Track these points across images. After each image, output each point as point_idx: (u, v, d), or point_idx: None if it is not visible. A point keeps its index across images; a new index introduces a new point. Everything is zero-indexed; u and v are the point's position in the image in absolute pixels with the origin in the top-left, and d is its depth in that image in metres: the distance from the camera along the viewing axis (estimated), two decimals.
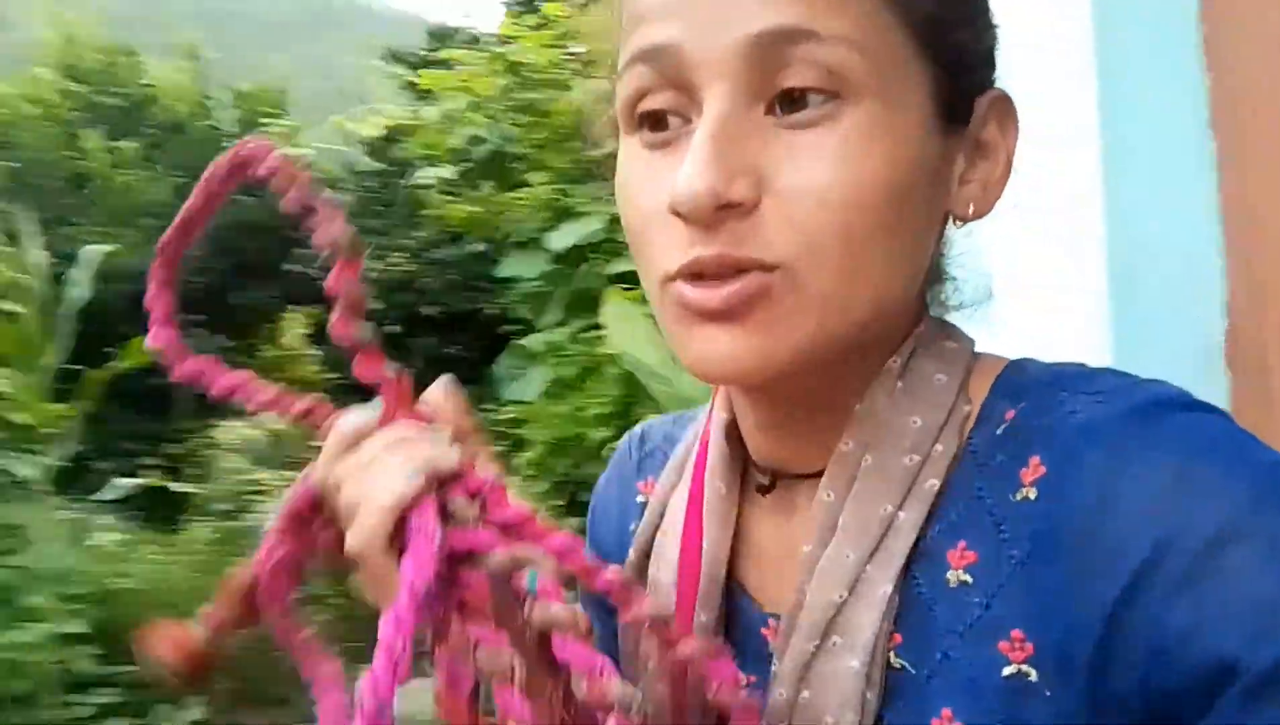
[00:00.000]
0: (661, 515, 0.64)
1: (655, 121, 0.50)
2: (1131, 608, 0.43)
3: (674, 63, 0.48)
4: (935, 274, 0.58)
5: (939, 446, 0.52)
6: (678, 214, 0.47)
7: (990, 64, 0.55)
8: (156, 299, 0.61)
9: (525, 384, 4.60)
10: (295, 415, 0.59)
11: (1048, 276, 1.15)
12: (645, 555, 0.64)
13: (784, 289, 0.47)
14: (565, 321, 4.61)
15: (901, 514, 0.51)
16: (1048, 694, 0.46)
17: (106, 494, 5.43)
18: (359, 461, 0.54)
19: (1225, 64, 1.09)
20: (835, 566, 0.51)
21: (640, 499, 0.69)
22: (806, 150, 0.47)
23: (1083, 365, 0.53)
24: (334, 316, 0.54)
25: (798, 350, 0.49)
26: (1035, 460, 0.48)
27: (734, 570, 0.59)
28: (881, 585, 0.50)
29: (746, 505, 0.60)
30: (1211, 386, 1.08)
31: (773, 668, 0.53)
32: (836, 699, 0.49)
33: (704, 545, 0.59)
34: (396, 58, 9.21)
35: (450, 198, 5.93)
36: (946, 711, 0.48)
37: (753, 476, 0.60)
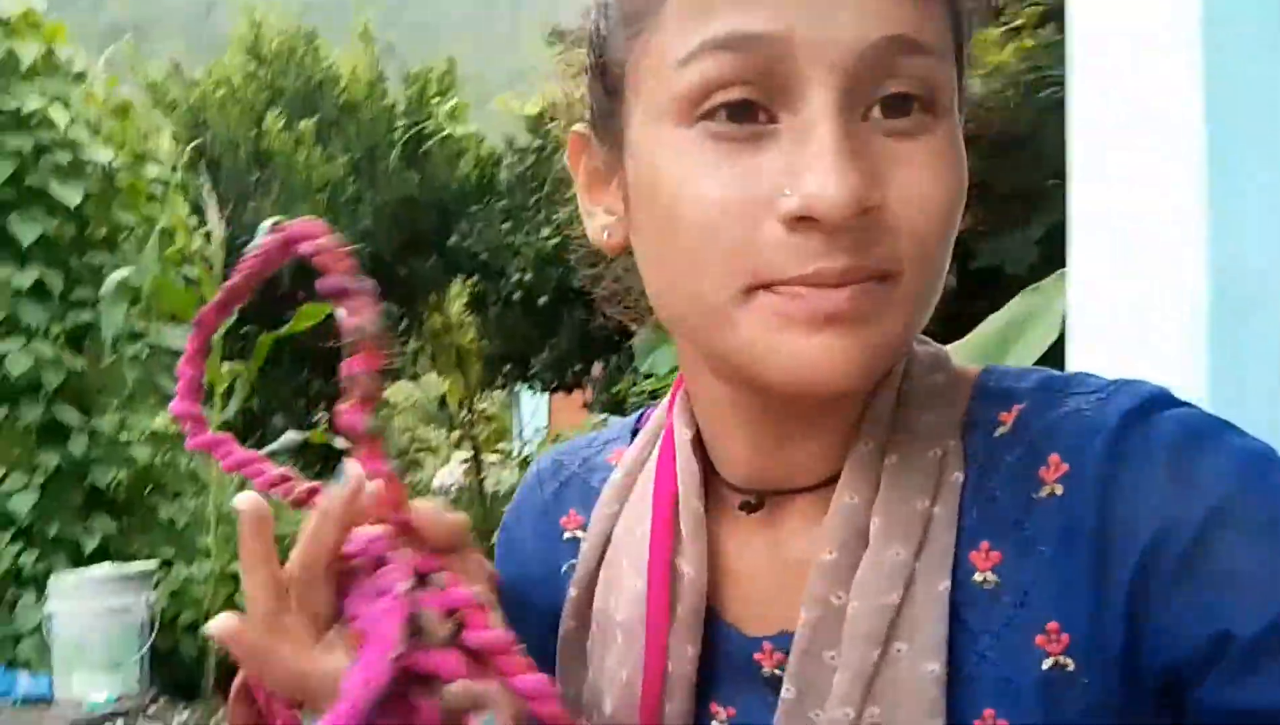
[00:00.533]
0: (605, 547, 0.61)
1: (734, 112, 0.46)
2: (1143, 593, 0.46)
3: (776, 55, 0.45)
4: None
5: (953, 441, 0.53)
6: (801, 219, 0.44)
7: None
8: (186, 367, 0.59)
9: (660, 356, 4.66)
10: (296, 498, 0.56)
11: (1146, 284, 1.10)
12: (588, 592, 0.60)
13: (894, 295, 0.47)
14: None
15: (936, 509, 0.51)
16: (1085, 682, 0.47)
17: (279, 445, 5.81)
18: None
19: None
20: (884, 567, 0.50)
21: (567, 535, 0.65)
22: (911, 159, 0.46)
23: (1048, 370, 0.55)
24: (346, 404, 0.51)
25: (894, 352, 0.49)
26: (1055, 458, 0.50)
27: (708, 596, 0.57)
28: (940, 582, 0.50)
29: (714, 528, 0.58)
30: None
31: (783, 692, 0.52)
32: (919, 709, 0.48)
33: (683, 571, 0.56)
34: (560, 36, 9.39)
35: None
36: (989, 712, 0.49)
37: (723, 497, 0.58)
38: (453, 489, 9.94)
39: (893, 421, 0.53)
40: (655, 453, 0.61)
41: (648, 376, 5.18)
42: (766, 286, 0.46)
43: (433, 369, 13.02)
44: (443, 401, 13.16)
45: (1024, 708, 0.48)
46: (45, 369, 5.33)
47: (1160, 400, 0.50)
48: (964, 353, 1.96)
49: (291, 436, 5.82)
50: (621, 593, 0.58)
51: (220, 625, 0.47)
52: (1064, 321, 1.29)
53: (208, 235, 5.59)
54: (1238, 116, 1.04)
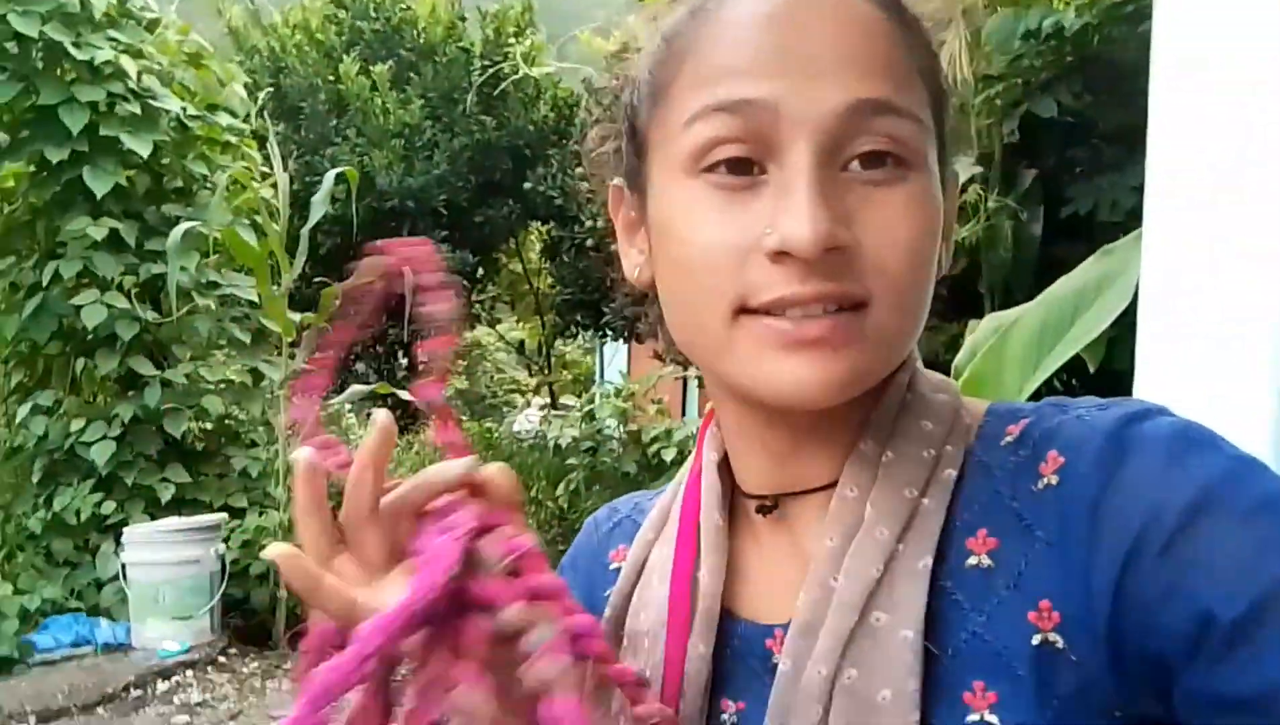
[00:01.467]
0: (640, 571, 0.66)
1: (732, 166, 0.53)
2: (1129, 575, 0.48)
3: (765, 117, 0.52)
4: None
5: (949, 447, 0.57)
6: (780, 254, 0.51)
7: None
8: (319, 365, 0.61)
9: None
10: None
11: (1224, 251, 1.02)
12: (621, 613, 0.66)
13: (867, 322, 0.53)
14: None
15: (926, 500, 0.55)
16: (1074, 659, 0.49)
17: (345, 396, 5.85)
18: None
19: None
20: (869, 545, 0.54)
21: (613, 567, 0.71)
22: (883, 204, 0.52)
23: (1061, 397, 0.58)
24: (420, 381, 0.55)
25: (871, 374, 0.55)
26: (1053, 453, 0.53)
27: (726, 600, 0.62)
28: (921, 558, 0.53)
29: (735, 539, 0.64)
30: None
31: (780, 665, 0.55)
32: (895, 671, 0.51)
33: (700, 576, 0.61)
34: None
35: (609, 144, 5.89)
36: (978, 684, 0.51)
37: (744, 509, 0.64)
38: (531, 434, 9.98)
39: (893, 427, 0.58)
40: (685, 482, 0.67)
41: None
42: (752, 311, 0.53)
43: (512, 315, 13.16)
44: (521, 347, 13.31)
45: (1014, 680, 0.50)
46: (120, 320, 5.42)
47: (1158, 411, 0.53)
48: (1033, 316, 1.83)
49: (358, 388, 5.84)
50: (650, 607, 0.63)
51: (276, 550, 0.50)
52: (1137, 288, 1.17)
53: (274, 185, 5.57)
54: None
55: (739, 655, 0.61)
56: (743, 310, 0.53)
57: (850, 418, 0.58)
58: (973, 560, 0.54)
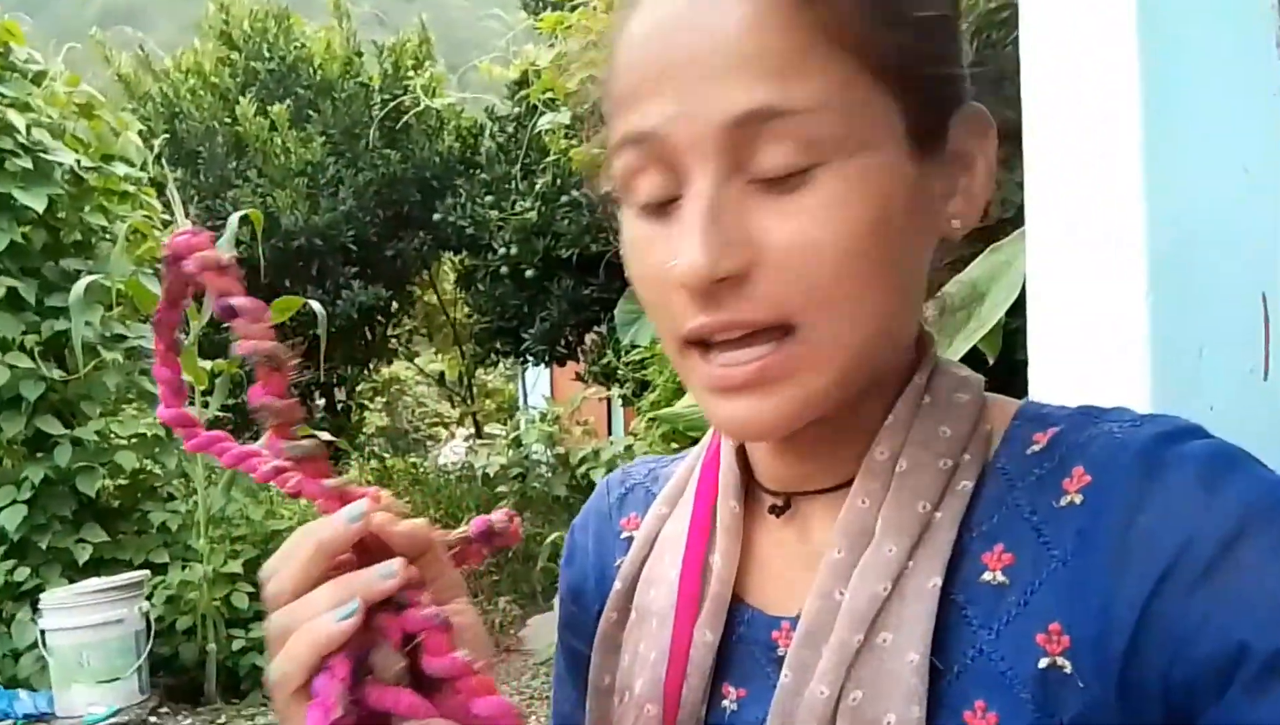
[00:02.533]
0: (652, 545, 0.66)
1: (649, 194, 0.52)
2: (1159, 602, 0.46)
3: (659, 146, 0.51)
4: (930, 292, 0.61)
5: (967, 455, 0.55)
6: (684, 285, 0.51)
7: (958, 82, 0.56)
8: (161, 370, 0.59)
9: (640, 327, 4.56)
10: (292, 489, 0.55)
11: (1096, 245, 1.05)
12: (631, 586, 0.65)
13: (801, 349, 0.51)
14: None
15: (939, 513, 0.54)
16: (1081, 686, 0.48)
17: (262, 442, 5.73)
18: (312, 573, 0.51)
19: None
20: (877, 562, 0.53)
21: (624, 535, 0.70)
22: (795, 212, 0.49)
23: (1095, 406, 0.56)
24: (267, 433, 0.52)
25: (823, 398, 0.53)
26: (1079, 470, 0.51)
27: (736, 586, 0.61)
28: (930, 578, 0.52)
29: (750, 526, 0.63)
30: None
31: (782, 678, 0.54)
32: (898, 695, 0.50)
33: (714, 562, 0.61)
34: None
35: (571, 142, 5.90)
36: (980, 703, 0.50)
37: (759, 499, 0.63)
38: (458, 465, 9.89)
39: (909, 432, 0.56)
40: (702, 461, 0.67)
41: (633, 347, 5.11)
42: (688, 344, 0.53)
43: (430, 347, 13.02)
44: (442, 378, 13.18)
45: (1015, 703, 0.49)
46: (24, 381, 5.24)
47: (1193, 431, 0.51)
48: (929, 313, 1.90)
49: None
50: (661, 585, 0.63)
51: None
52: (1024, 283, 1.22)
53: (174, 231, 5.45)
54: (1172, 64, 0.99)
55: (745, 642, 0.60)
56: (686, 341, 0.53)
57: (862, 418, 0.57)
58: (987, 576, 0.52)
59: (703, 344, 0.52)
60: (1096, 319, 1.04)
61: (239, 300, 0.51)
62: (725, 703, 0.60)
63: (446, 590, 0.54)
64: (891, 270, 0.52)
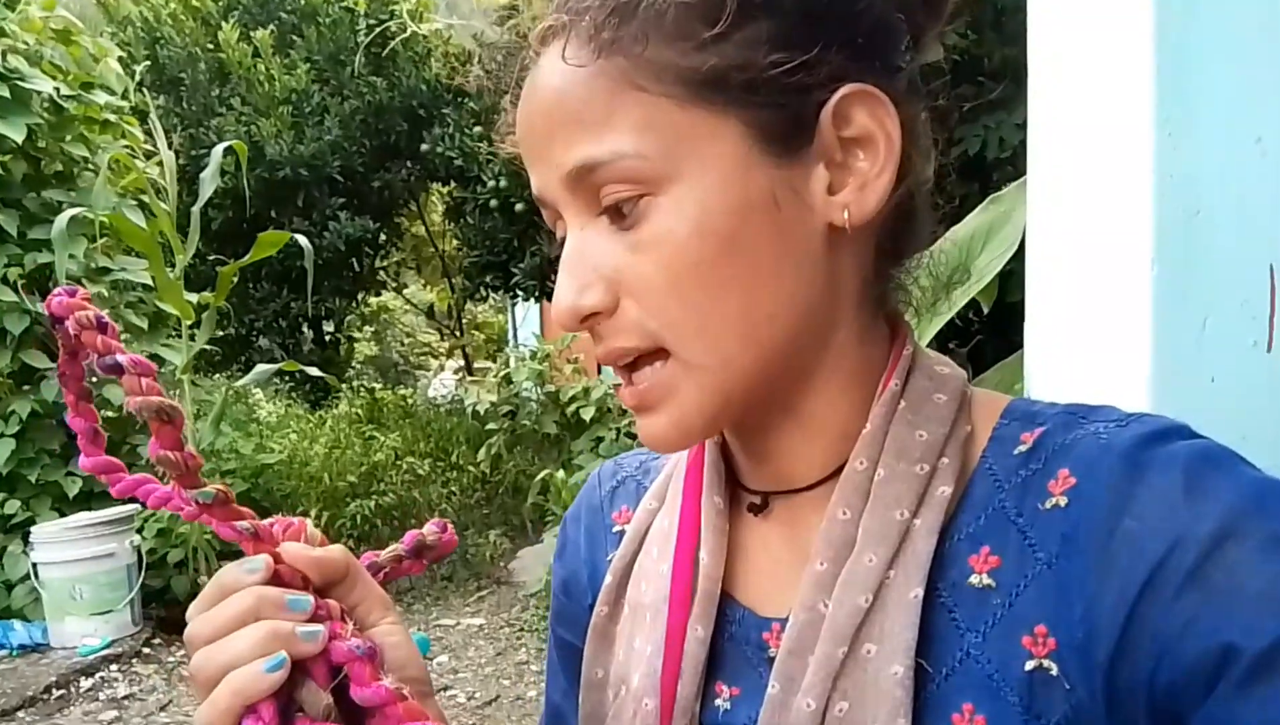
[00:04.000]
0: (643, 539, 0.67)
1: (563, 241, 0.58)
2: (1146, 603, 0.46)
3: (543, 202, 0.57)
4: (874, 279, 0.60)
5: (945, 459, 0.56)
6: None
7: (829, 72, 0.53)
8: (75, 420, 0.60)
9: None
10: (188, 515, 0.57)
11: (1101, 197, 1.04)
12: (623, 579, 0.67)
13: (674, 366, 0.54)
14: None
15: (917, 521, 0.54)
16: (1067, 688, 0.49)
17: (251, 377, 5.73)
18: (223, 617, 0.53)
19: None
20: (858, 572, 0.54)
21: (616, 529, 0.72)
22: (634, 246, 0.53)
23: (1083, 404, 0.57)
24: (173, 486, 0.55)
25: (708, 411, 0.55)
26: (1064, 472, 0.52)
27: (725, 584, 0.62)
28: (911, 589, 0.53)
29: (737, 523, 0.64)
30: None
31: (769, 689, 0.55)
32: (883, 708, 0.51)
33: (701, 558, 0.62)
34: None
35: None
36: (967, 706, 0.51)
37: (741, 497, 0.64)
38: (448, 399, 9.89)
39: (883, 439, 0.57)
40: (687, 456, 0.67)
41: None
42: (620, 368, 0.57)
43: (419, 279, 12.95)
44: (431, 311, 13.11)
45: (1003, 705, 0.50)
46: (9, 314, 5.21)
47: (1178, 431, 0.51)
48: (930, 265, 1.89)
49: (263, 368, 5.72)
50: (652, 578, 0.64)
51: None
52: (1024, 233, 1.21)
53: (160, 163, 5.37)
54: (1187, 29, 0.97)
55: (736, 641, 0.61)
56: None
57: (829, 416, 0.59)
58: (974, 579, 0.53)
59: (625, 367, 0.57)
60: (1099, 285, 1.03)
61: (122, 357, 0.52)
62: (718, 701, 0.60)
63: (373, 610, 0.57)
64: (746, 280, 0.53)
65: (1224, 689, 0.44)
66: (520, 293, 8.87)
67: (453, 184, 9.43)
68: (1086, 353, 1.03)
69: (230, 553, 5.43)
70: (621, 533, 0.70)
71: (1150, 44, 0.96)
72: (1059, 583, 0.50)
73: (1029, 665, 0.50)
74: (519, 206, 7.87)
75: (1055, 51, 1.10)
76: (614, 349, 0.55)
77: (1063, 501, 0.51)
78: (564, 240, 0.57)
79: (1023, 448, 0.55)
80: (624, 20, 0.52)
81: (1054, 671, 0.49)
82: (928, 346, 0.63)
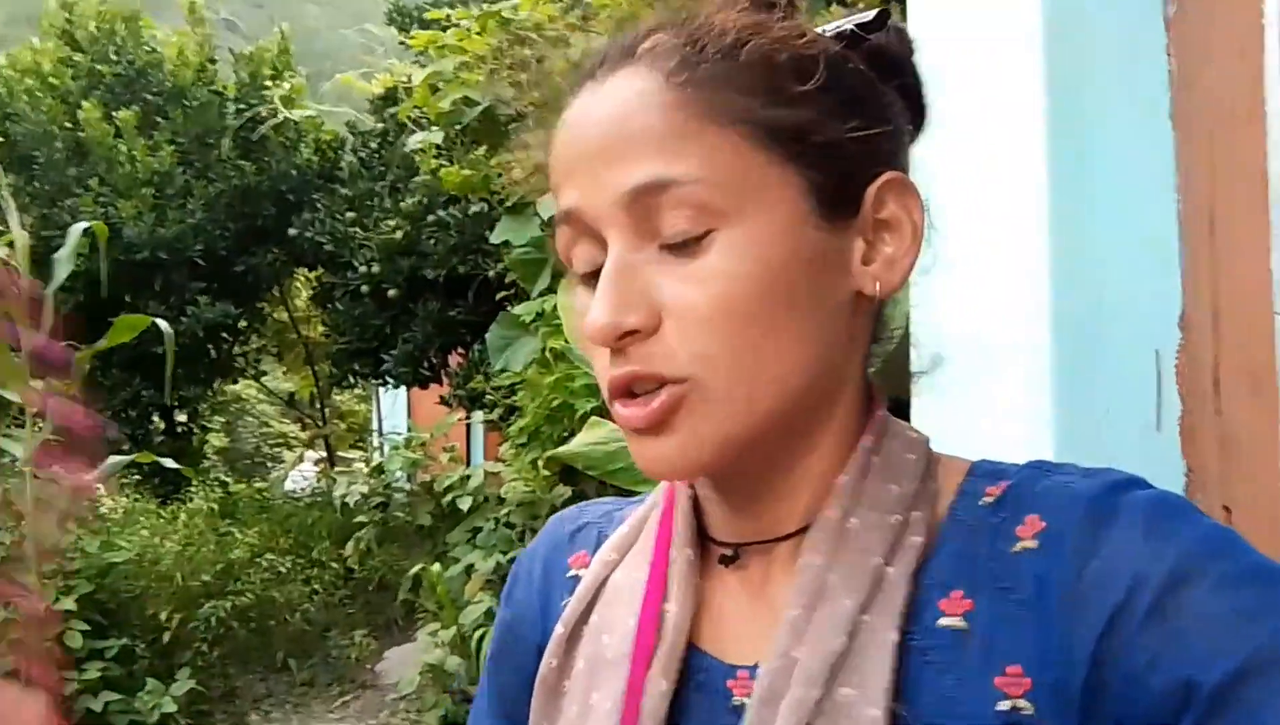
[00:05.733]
0: (597, 592, 0.66)
1: (583, 264, 0.58)
2: (1110, 641, 0.48)
3: (580, 220, 0.57)
4: (872, 345, 0.63)
5: (916, 512, 0.57)
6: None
7: (877, 153, 0.58)
8: None
9: (513, 353, 4.50)
10: None
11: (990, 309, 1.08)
12: (575, 632, 0.65)
13: (695, 398, 0.54)
14: (555, 289, 4.48)
15: (891, 568, 0.55)
16: None
17: (101, 470, 5.39)
18: None
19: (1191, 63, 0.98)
20: (833, 616, 0.54)
21: (570, 574, 0.71)
22: (688, 276, 0.54)
23: (1045, 460, 0.59)
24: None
25: (719, 445, 0.56)
26: (1033, 518, 0.54)
27: (691, 634, 0.62)
28: (885, 632, 0.53)
29: (705, 575, 0.64)
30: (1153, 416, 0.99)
31: (746, 718, 0.55)
32: None
33: (669, 611, 0.62)
34: (400, 13, 9.01)
35: (442, 162, 5.80)
36: None
37: (711, 549, 0.64)
38: (307, 491, 9.53)
39: (858, 491, 0.58)
40: (659, 511, 0.67)
41: (503, 371, 5.03)
42: (611, 397, 0.57)
43: (279, 366, 12.52)
44: (291, 399, 12.69)
45: None
46: None
47: (1137, 482, 0.54)
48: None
49: (115, 460, 5.39)
50: (615, 632, 0.63)
51: None
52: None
53: (10, 242, 5.09)
54: (1081, 140, 1.04)
55: (701, 690, 0.61)
56: (610, 392, 0.57)
57: (803, 473, 0.60)
58: (945, 621, 0.54)
59: (628, 394, 0.56)
60: (997, 377, 1.07)
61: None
62: None
63: None
64: (782, 330, 0.55)
65: (1188, 722, 0.46)
66: (391, 380, 8.70)
67: (321, 269, 9.25)
68: (985, 444, 1.07)
69: (71, 662, 5.03)
70: (576, 578, 0.69)
71: (1043, 146, 1.02)
72: (1031, 623, 0.52)
73: (1004, 705, 0.51)
74: (391, 292, 7.76)
75: (949, 148, 1.16)
76: (639, 372, 0.55)
77: (1033, 544, 0.53)
78: (588, 268, 0.58)
79: (988, 499, 0.57)
80: (707, 60, 0.56)
81: (1029, 711, 0.50)
82: None
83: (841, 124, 0.57)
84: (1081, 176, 1.02)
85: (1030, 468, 0.58)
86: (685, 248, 0.54)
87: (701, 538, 0.65)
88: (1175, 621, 0.47)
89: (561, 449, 2.39)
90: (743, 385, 0.55)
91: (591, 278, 0.57)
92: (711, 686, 0.60)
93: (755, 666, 0.57)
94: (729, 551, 0.63)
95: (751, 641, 0.59)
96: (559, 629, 0.66)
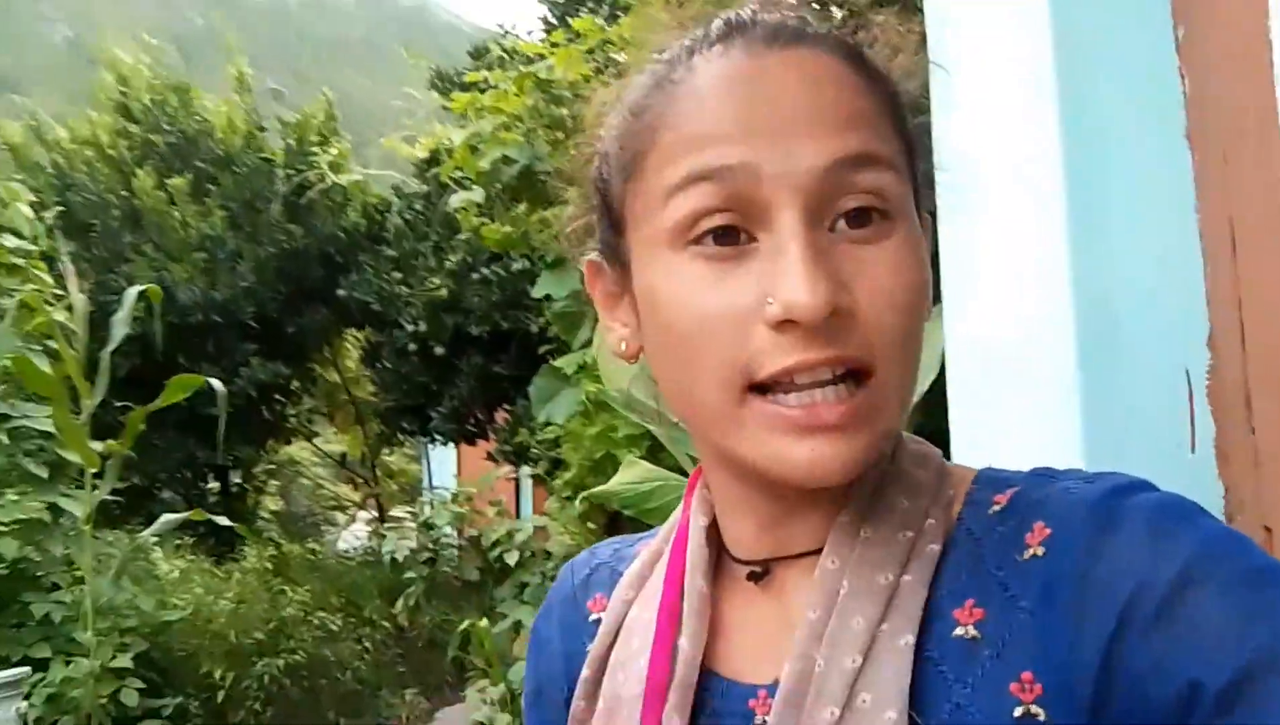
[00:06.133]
0: (617, 631, 0.66)
1: (719, 236, 0.53)
2: (1118, 645, 0.48)
3: (748, 183, 0.52)
4: None
5: (930, 521, 0.57)
6: (784, 322, 0.51)
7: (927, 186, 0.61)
8: None
9: (556, 405, 4.52)
10: None
11: (1018, 318, 1.08)
12: (599, 672, 0.65)
13: (875, 396, 0.53)
14: (593, 341, 4.52)
15: (907, 577, 0.55)
16: None
17: (155, 528, 5.49)
18: None
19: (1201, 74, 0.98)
20: (845, 632, 0.54)
21: (593, 618, 0.70)
22: (873, 262, 0.53)
23: (1049, 467, 0.59)
24: None
25: (883, 444, 0.55)
26: (1039, 525, 0.53)
27: (707, 660, 0.62)
28: (903, 637, 0.53)
29: (720, 598, 0.64)
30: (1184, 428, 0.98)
31: (770, 721, 0.55)
32: None
33: (682, 647, 0.61)
34: (441, 78, 9.23)
35: (483, 220, 5.90)
36: None
37: (730, 570, 0.64)
38: (359, 550, 9.58)
39: (873, 501, 0.58)
40: (671, 544, 0.66)
41: (547, 424, 5.06)
42: (760, 389, 0.53)
43: (330, 427, 12.68)
44: (343, 459, 12.83)
45: None
46: None
47: (1143, 485, 0.53)
48: None
49: (169, 518, 5.49)
50: (630, 670, 0.62)
51: None
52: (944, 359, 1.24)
53: (69, 307, 5.25)
54: (1097, 154, 1.03)
55: (719, 715, 0.60)
56: (751, 386, 0.53)
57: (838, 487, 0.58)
58: (959, 631, 0.54)
59: (760, 389, 0.53)
60: (1023, 401, 1.06)
61: None
62: None
63: None
64: (921, 334, 0.56)
65: (1195, 723, 0.46)
66: (439, 437, 8.76)
67: (369, 328, 9.39)
68: (1016, 463, 1.06)
69: (126, 720, 5.09)
70: (598, 621, 0.68)
71: (1061, 170, 1.01)
72: (1041, 629, 0.51)
73: (1017, 712, 0.51)
74: (438, 350, 7.86)
75: (967, 175, 1.16)
76: (837, 357, 0.52)
77: (1040, 551, 0.53)
78: (719, 238, 0.53)
79: (996, 507, 0.57)
80: (874, 61, 0.58)
81: (1042, 717, 0.50)
82: None
83: (921, 153, 0.60)
84: (1100, 199, 1.02)
85: (1035, 474, 0.58)
86: (867, 233, 0.53)
87: (719, 560, 0.64)
88: (1181, 624, 0.47)
89: (598, 489, 2.38)
90: (906, 380, 0.55)
91: (723, 252, 0.53)
92: (729, 710, 0.60)
93: (773, 684, 0.57)
94: (757, 568, 0.62)
95: (770, 659, 0.59)
96: (585, 672, 0.65)
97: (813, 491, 0.57)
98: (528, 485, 8.86)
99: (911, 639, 0.53)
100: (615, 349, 0.64)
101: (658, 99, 0.57)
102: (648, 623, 0.63)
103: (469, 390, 7.86)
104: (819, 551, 0.58)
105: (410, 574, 6.31)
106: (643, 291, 0.58)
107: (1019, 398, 1.06)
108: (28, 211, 6.03)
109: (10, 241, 5.76)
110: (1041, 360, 1.04)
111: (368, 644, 6.76)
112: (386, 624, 6.88)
